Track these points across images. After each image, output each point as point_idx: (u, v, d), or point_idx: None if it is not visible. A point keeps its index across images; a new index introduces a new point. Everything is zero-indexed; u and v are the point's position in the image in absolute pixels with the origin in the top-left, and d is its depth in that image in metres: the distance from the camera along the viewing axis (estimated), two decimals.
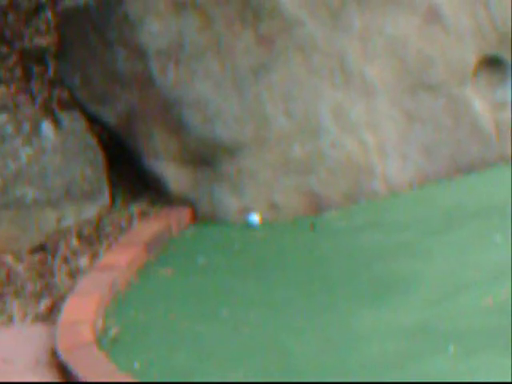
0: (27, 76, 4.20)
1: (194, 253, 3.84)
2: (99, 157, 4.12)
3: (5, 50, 4.22)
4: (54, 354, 3.05)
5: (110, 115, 4.31)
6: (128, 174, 4.19)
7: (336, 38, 4.03)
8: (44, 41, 4.45)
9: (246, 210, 4.07)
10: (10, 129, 3.60)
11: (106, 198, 3.98)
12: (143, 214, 3.96)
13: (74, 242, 3.74)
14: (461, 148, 4.18)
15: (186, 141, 4.16)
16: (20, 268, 3.57)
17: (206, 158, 4.15)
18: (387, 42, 4.10)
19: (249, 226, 3.88)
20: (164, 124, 4.17)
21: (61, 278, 3.51)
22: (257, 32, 4.10)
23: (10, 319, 3.31)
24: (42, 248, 3.68)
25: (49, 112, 3.97)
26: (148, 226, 3.94)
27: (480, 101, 4.22)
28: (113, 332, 3.24)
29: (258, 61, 4.14)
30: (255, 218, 3.90)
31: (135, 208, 4.01)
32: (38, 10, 4.57)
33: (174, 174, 4.17)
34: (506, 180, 4.08)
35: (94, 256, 3.65)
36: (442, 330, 2.98)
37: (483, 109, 4.20)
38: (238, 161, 4.16)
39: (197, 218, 4.10)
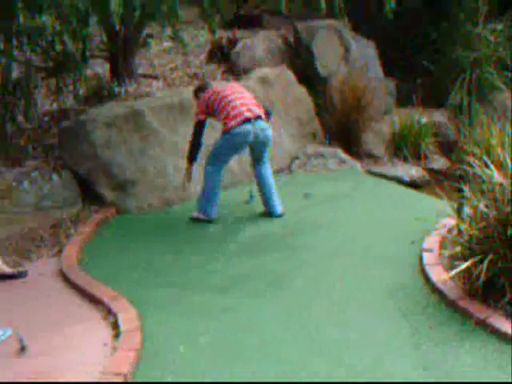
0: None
1: (119, 226, 7.04)
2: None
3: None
4: (61, 270, 5.92)
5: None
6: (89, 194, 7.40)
7: None
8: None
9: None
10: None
11: (80, 204, 7.39)
12: (95, 211, 7.21)
13: (68, 223, 6.96)
14: None
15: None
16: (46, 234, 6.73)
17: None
18: None
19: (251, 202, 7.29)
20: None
21: (62, 238, 6.66)
22: None
23: (41, 256, 6.37)
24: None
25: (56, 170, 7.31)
26: (98, 215, 7.16)
27: None
28: (85, 260, 6.14)
29: None
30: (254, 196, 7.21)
31: (92, 208, 7.27)
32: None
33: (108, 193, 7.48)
34: None
35: (77, 229, 6.81)
36: None
37: None
38: None
39: (118, 212, 7.34)
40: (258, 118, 6.54)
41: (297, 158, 8.70)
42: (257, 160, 6.80)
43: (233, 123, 6.46)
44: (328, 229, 6.40)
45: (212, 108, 6.58)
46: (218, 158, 6.66)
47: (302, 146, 8.91)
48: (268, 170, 6.81)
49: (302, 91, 9.15)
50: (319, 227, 6.45)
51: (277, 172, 7.89)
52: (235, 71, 9.19)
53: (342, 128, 9.19)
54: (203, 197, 6.71)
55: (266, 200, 6.81)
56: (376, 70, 9.76)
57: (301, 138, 9.00)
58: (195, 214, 6.78)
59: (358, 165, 8.66)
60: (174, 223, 6.81)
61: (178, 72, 9.33)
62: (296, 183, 7.96)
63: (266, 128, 6.56)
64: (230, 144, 6.56)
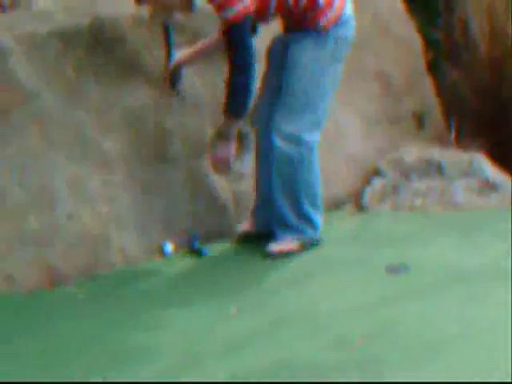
0: None
1: None
2: None
3: None
4: None
5: None
6: None
7: (72, 109, 4.21)
8: None
9: None
10: None
11: None
12: None
13: None
14: (198, 220, 4.49)
15: None
16: None
17: None
18: (124, 114, 4.30)
19: (164, 255, 4.49)
20: None
21: None
22: None
23: None
24: None
25: None
26: None
27: None
28: None
29: None
30: (169, 247, 4.48)
31: None
32: None
33: None
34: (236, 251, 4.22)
35: None
36: None
37: (221, 181, 4.53)
38: None
39: None
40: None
41: (376, 173, 4.66)
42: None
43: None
44: (455, 357, 2.62)
45: None
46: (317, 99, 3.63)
47: (388, 145, 4.79)
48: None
49: (395, 8, 4.88)
50: (430, 350, 2.73)
51: (327, 210, 4.32)
52: None
53: (488, 103, 4.88)
54: (293, 204, 3.71)
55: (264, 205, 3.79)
56: None
57: (386, 127, 4.85)
58: (275, 248, 3.67)
59: None
60: (63, 331, 3.42)
61: None
62: (372, 238, 4.10)
63: None
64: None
